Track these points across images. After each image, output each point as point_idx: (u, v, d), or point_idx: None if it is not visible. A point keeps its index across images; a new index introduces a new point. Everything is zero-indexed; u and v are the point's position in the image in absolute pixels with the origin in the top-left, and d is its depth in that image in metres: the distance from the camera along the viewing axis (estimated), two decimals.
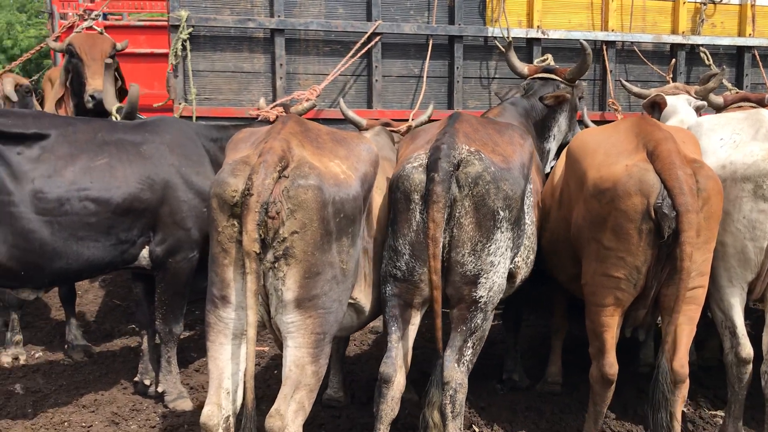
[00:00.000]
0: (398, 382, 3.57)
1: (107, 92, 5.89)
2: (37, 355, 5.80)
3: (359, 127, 5.28)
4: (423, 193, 3.44)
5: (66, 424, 4.53)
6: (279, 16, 5.82)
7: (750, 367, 3.98)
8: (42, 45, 9.43)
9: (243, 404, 3.08)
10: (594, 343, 3.88)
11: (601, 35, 6.52)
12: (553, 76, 5.45)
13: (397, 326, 3.62)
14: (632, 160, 3.64)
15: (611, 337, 3.80)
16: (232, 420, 3.11)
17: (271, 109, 5.38)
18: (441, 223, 3.35)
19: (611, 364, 3.78)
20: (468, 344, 3.58)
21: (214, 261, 3.05)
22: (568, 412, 4.69)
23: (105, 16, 9.83)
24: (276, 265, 2.96)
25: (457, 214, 3.44)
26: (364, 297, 3.58)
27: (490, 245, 3.51)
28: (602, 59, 6.56)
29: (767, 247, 3.82)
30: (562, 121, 5.37)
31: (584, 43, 5.36)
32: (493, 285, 3.58)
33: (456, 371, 3.51)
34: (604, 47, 6.56)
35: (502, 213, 3.51)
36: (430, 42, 6.14)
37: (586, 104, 6.16)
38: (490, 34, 6.28)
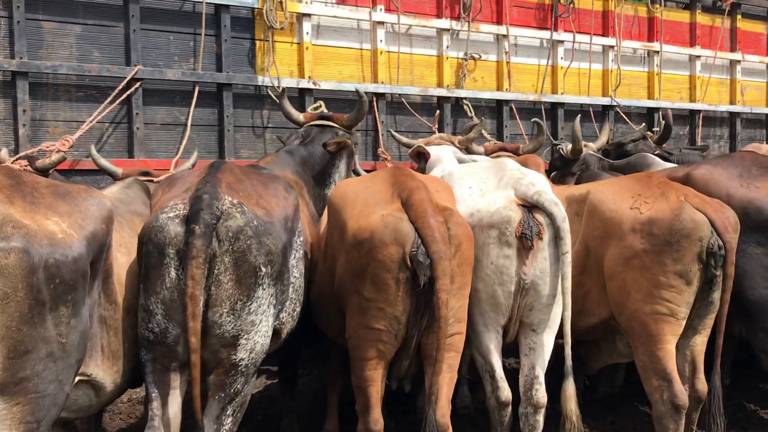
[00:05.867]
0: None
1: None
2: None
3: (114, 177, 4.85)
4: (180, 247, 3.16)
5: None
6: (21, 58, 5.26)
7: (509, 409, 4.05)
8: None
9: None
10: (360, 398, 3.74)
11: (371, 87, 6.65)
12: (330, 123, 5.40)
13: (158, 392, 3.30)
14: (387, 210, 3.61)
15: (376, 391, 3.69)
16: None
17: (14, 162, 4.79)
18: (201, 281, 3.10)
19: (376, 421, 3.67)
20: (227, 412, 3.34)
21: None
22: None
23: None
24: None
25: (216, 271, 3.19)
26: (101, 371, 3.17)
27: (251, 303, 3.29)
28: (373, 110, 6.68)
29: (514, 291, 3.94)
30: (342, 167, 5.33)
31: (360, 90, 5.41)
32: (254, 346, 3.36)
33: None
34: (375, 99, 6.69)
35: (264, 269, 3.32)
36: (197, 89, 5.89)
37: (359, 154, 6.20)
38: (260, 83, 6.16)
